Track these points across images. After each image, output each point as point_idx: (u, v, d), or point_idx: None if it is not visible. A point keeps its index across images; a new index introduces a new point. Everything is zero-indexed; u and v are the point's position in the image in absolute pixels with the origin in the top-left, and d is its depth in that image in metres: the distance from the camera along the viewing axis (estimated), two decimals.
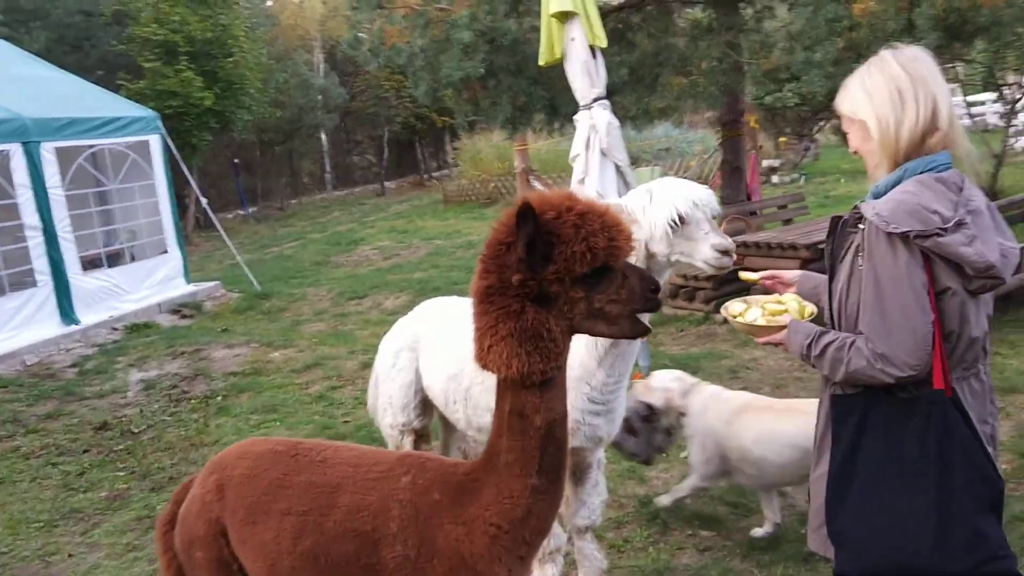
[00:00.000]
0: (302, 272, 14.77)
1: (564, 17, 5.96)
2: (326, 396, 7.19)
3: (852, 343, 2.20)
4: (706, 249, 2.89)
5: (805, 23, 7.74)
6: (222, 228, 14.01)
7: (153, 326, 10.52)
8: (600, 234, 1.92)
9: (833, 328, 2.38)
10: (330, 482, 2.20)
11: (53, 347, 9.39)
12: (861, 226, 2.25)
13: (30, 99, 10.36)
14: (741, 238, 8.46)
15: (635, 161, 17.11)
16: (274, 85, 23.61)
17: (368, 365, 5.05)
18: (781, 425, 3.75)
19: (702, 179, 16.50)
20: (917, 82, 2.21)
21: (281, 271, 14.92)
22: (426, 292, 11.42)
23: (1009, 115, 12.63)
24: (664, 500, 4.33)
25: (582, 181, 6.06)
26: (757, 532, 4.08)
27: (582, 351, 3.16)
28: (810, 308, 2.54)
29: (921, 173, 2.20)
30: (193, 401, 7.46)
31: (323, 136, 31.12)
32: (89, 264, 10.78)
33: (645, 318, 2.24)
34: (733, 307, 2.62)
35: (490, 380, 2.08)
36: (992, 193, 11.29)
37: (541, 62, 6.36)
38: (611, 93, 7.08)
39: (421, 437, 3.99)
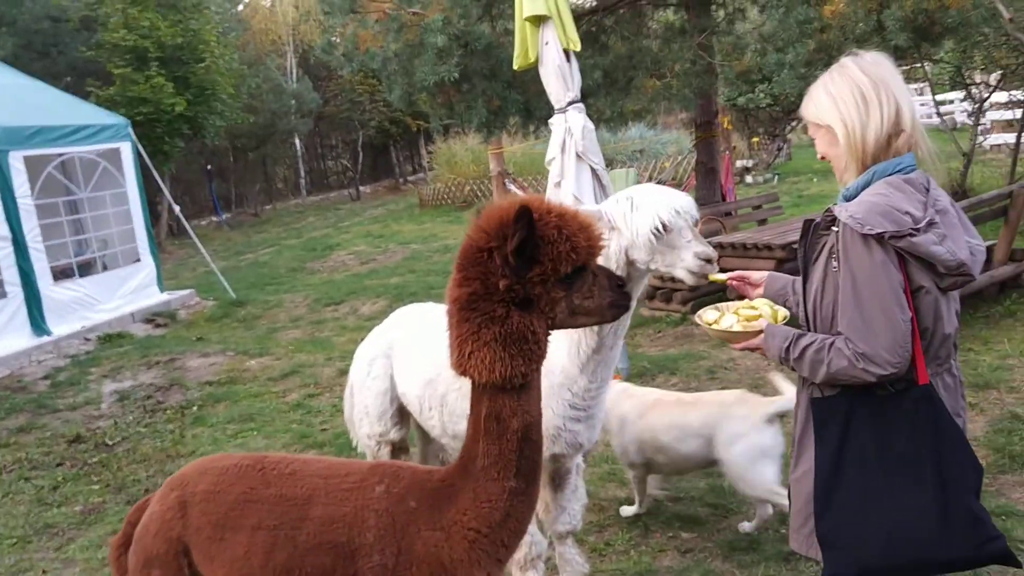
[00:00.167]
0: (277, 279, 14.67)
1: (537, 21, 5.96)
2: (304, 404, 7.14)
3: (831, 344, 2.22)
4: (689, 257, 2.88)
5: (776, 25, 7.82)
6: (195, 235, 13.88)
7: (126, 336, 10.39)
8: (580, 234, 1.98)
9: (808, 330, 2.40)
10: (301, 494, 2.17)
11: (24, 359, 9.25)
12: (835, 228, 2.28)
13: None
14: (716, 239, 8.50)
15: (610, 163, 17.17)
16: (246, 90, 23.45)
17: (346, 372, 5.02)
18: (687, 417, 4.05)
19: (676, 180, 16.60)
20: (879, 85, 2.25)
21: (256, 278, 14.80)
22: (403, 297, 11.39)
23: (977, 114, 12.79)
24: (628, 510, 4.40)
25: (558, 184, 6.06)
26: (626, 511, 4.38)
27: (564, 358, 3.15)
28: (783, 312, 2.56)
29: (889, 175, 2.24)
30: (168, 412, 7.37)
31: (297, 141, 30.97)
32: (60, 274, 10.63)
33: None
34: (707, 315, 2.63)
35: (467, 386, 2.08)
36: (962, 191, 11.44)
37: (515, 66, 6.36)
38: (585, 96, 7.10)
39: (399, 450, 3.92)
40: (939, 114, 14.74)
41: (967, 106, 14.39)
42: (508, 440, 2.00)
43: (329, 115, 30.91)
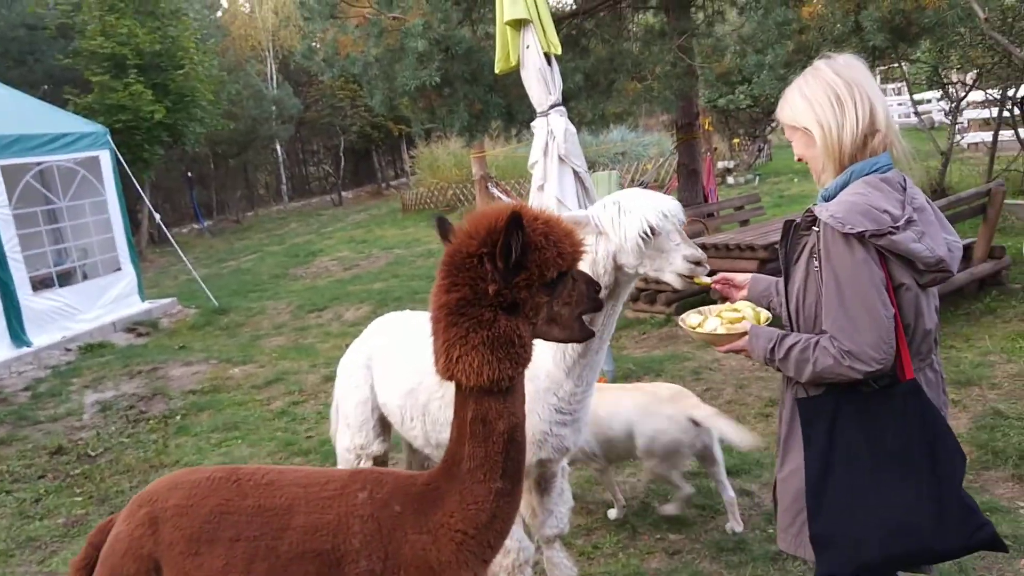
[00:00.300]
0: (260, 286, 14.59)
1: (518, 25, 5.96)
2: (288, 412, 7.10)
3: (816, 343, 2.24)
4: (678, 260, 2.86)
5: (756, 27, 7.87)
6: (177, 243, 13.79)
7: (108, 346, 10.30)
8: (565, 240, 2.03)
9: (792, 330, 2.42)
10: (280, 504, 2.15)
11: (4, 370, 9.15)
12: (815, 228, 2.30)
13: None
14: (700, 240, 8.53)
15: (592, 166, 17.21)
16: (226, 97, 23.33)
17: (330, 378, 5.00)
18: (620, 403, 4.22)
19: (658, 182, 16.65)
20: (853, 87, 2.28)
21: (239, 285, 14.72)
22: (387, 302, 11.36)
23: (954, 113, 12.92)
24: (614, 512, 4.44)
25: (541, 188, 6.06)
26: (613, 513, 4.43)
27: (549, 363, 3.14)
28: (765, 314, 2.57)
29: (866, 174, 2.27)
30: (151, 421, 7.31)
31: (278, 147, 30.85)
32: (40, 284, 10.53)
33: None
34: (690, 319, 2.63)
35: (449, 394, 2.10)
36: (940, 189, 11.54)
37: (497, 70, 6.36)
38: (567, 99, 7.11)
39: (380, 464, 3.84)
40: (917, 113, 14.88)
41: (944, 105, 14.54)
42: (494, 442, 2.03)
43: (310, 120, 30.83)
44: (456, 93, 8.88)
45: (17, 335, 9.64)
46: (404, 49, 8.12)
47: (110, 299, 11.27)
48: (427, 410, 3.37)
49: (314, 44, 10.05)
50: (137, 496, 2.32)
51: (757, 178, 19.46)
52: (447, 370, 2.01)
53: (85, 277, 11.42)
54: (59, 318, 10.36)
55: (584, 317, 2.21)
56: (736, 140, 22.40)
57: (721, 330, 2.51)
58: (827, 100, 2.28)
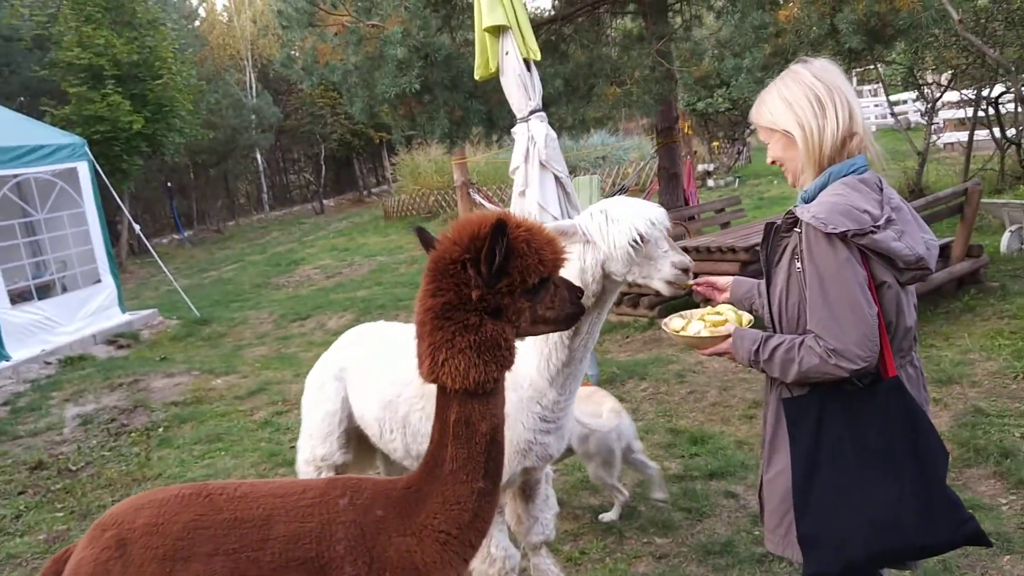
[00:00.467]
0: (242, 295, 14.51)
1: (497, 31, 5.97)
2: (272, 422, 7.05)
3: (801, 342, 2.25)
4: (666, 267, 2.88)
5: (733, 30, 7.93)
6: (157, 254, 13.70)
7: (88, 358, 10.20)
8: (546, 247, 2.08)
9: (775, 331, 2.43)
10: (258, 515, 2.13)
11: None
12: (797, 230, 2.32)
13: None
14: (682, 243, 8.57)
15: (573, 171, 17.26)
16: (206, 106, 23.24)
17: None
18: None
19: (639, 186, 16.71)
20: (833, 90, 2.31)
21: (220, 295, 14.63)
22: (370, 310, 11.33)
23: (930, 113, 13.05)
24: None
25: (523, 193, 6.06)
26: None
27: (533, 372, 3.14)
28: (747, 317, 2.59)
29: (844, 176, 2.30)
30: (133, 434, 7.24)
31: (258, 156, 30.73)
32: (18, 297, 10.43)
33: None
34: (673, 323, 2.63)
35: (430, 406, 2.10)
36: (918, 189, 11.65)
37: (476, 76, 6.36)
38: (547, 105, 7.12)
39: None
40: (893, 114, 15.03)
41: (920, 106, 14.68)
42: (477, 443, 2.08)
43: (290, 129, 30.74)
44: (436, 100, 8.87)
45: None
46: (383, 57, 8.11)
47: (90, 311, 11.16)
48: (407, 422, 3.34)
49: (293, 53, 10.03)
50: (98, 522, 2.23)
51: (737, 180, 19.58)
52: (432, 373, 2.05)
53: (64, 289, 11.31)
54: (38, 331, 10.25)
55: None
56: (715, 143, 22.53)
57: (704, 333, 2.52)
58: (808, 103, 2.30)
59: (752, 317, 2.60)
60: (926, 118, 13.11)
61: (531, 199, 5.96)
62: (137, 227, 13.82)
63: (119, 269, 13.42)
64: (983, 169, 12.18)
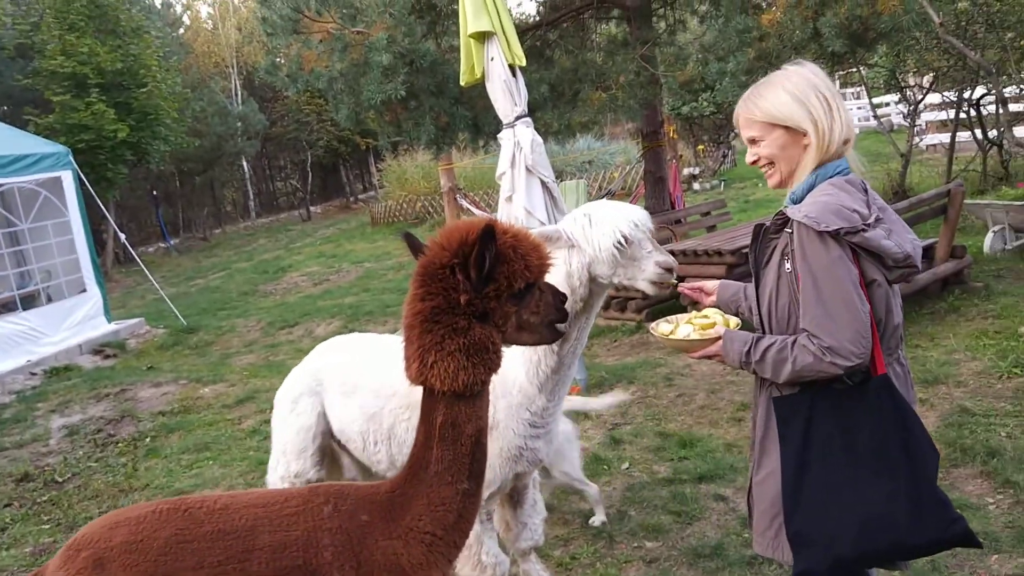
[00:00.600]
0: (229, 303, 14.45)
1: (482, 37, 5.99)
2: (260, 430, 7.01)
3: (794, 342, 2.25)
4: (650, 267, 2.91)
5: (717, 35, 7.96)
6: (143, 262, 13.63)
7: (74, 368, 10.13)
8: (532, 253, 2.12)
9: (764, 332, 2.43)
10: (242, 527, 2.12)
11: None
12: (788, 230, 2.32)
13: None
14: (668, 247, 8.59)
15: (560, 176, 17.29)
16: (191, 114, 23.17)
17: None
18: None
19: (626, 190, 16.76)
20: (833, 92, 2.34)
21: (208, 303, 14.57)
22: (358, 317, 11.31)
23: (912, 115, 13.16)
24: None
25: (510, 199, 6.08)
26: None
27: (522, 378, 3.15)
28: (734, 320, 2.59)
29: (830, 177, 2.32)
30: (120, 445, 7.19)
31: (244, 163, 30.65)
32: (2, 308, 10.37)
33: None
34: (661, 327, 2.63)
35: (415, 417, 2.16)
36: (902, 191, 11.74)
37: (462, 82, 6.38)
38: (533, 110, 7.14)
39: None
40: (876, 116, 15.13)
41: (903, 108, 14.80)
42: (463, 445, 2.11)
43: (276, 136, 30.68)
44: (422, 106, 8.88)
45: None
46: (369, 63, 8.11)
47: (75, 321, 11.09)
48: (393, 433, 3.32)
49: (278, 60, 10.00)
50: (70, 543, 2.18)
51: (722, 184, 19.67)
52: (420, 375, 2.07)
53: (49, 299, 11.23)
54: (23, 342, 10.18)
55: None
56: (701, 147, 22.63)
57: (694, 336, 2.51)
58: (818, 101, 2.30)
59: (739, 320, 2.61)
60: (909, 120, 13.22)
61: (518, 204, 5.98)
62: (123, 236, 13.76)
63: (105, 278, 13.34)
64: (965, 170, 12.29)
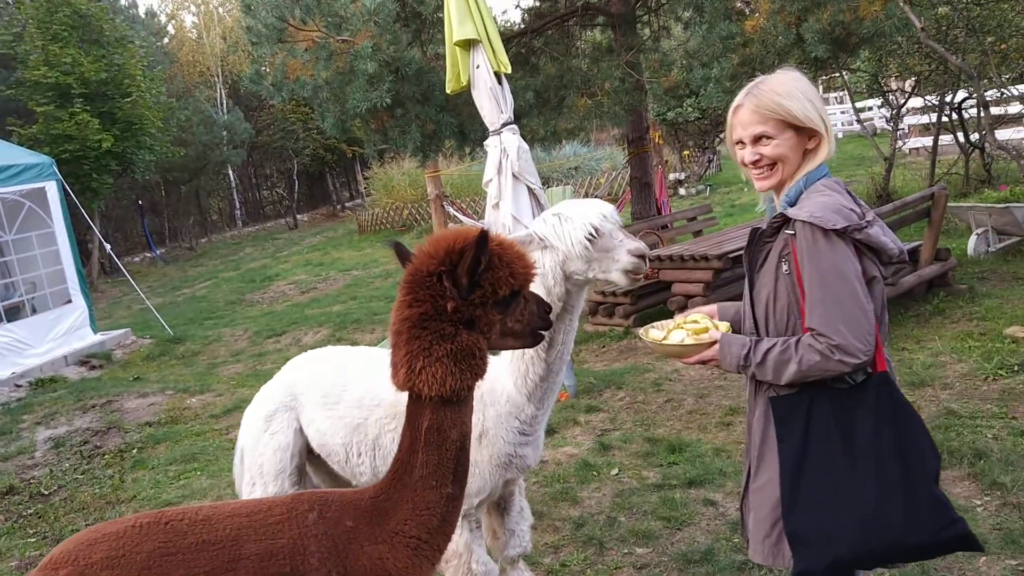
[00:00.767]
0: (216, 313, 14.39)
1: (467, 45, 6.01)
2: None
3: (797, 342, 2.24)
4: (623, 256, 2.94)
5: (701, 41, 8.00)
6: (129, 272, 13.55)
7: (60, 380, 10.06)
8: (517, 261, 2.15)
9: (759, 336, 2.41)
10: (226, 536, 2.12)
11: None
12: (790, 231, 2.30)
13: None
14: (655, 252, 8.62)
15: (547, 182, 17.32)
16: (176, 123, 23.09)
17: None
18: None
19: (612, 195, 16.81)
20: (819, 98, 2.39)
21: (194, 313, 14.50)
22: (346, 325, 11.28)
23: (895, 119, 13.26)
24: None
25: (497, 205, 6.09)
26: None
27: (510, 387, 3.15)
28: (724, 324, 2.56)
29: (818, 179, 2.35)
30: (107, 456, 7.15)
31: (230, 172, 30.56)
32: None
33: None
34: (652, 333, 2.60)
35: (401, 426, 2.18)
36: (885, 194, 11.82)
37: (448, 90, 6.39)
38: (519, 117, 7.16)
39: None
40: (859, 121, 15.23)
41: (885, 112, 14.90)
42: (447, 450, 2.14)
43: (262, 145, 30.61)
44: (408, 114, 8.87)
45: None
46: (354, 71, 8.10)
47: (61, 332, 11.02)
48: (378, 444, 3.29)
49: (263, 69, 9.98)
50: (46, 561, 2.12)
51: (708, 188, 19.76)
52: (407, 380, 2.09)
53: (34, 311, 11.16)
54: (8, 353, 10.11)
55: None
56: (686, 152, 22.72)
57: (689, 340, 2.47)
58: (822, 105, 2.36)
59: (729, 324, 2.57)
60: (891, 124, 13.31)
61: (505, 211, 5.98)
62: (108, 246, 13.69)
63: (90, 289, 13.27)
64: (948, 173, 12.38)
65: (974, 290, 7.72)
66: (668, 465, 5.16)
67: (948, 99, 12.10)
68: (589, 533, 4.39)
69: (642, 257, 2.95)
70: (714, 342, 2.41)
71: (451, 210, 13.89)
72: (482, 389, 3.18)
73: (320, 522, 2.14)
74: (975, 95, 10.84)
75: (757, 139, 2.37)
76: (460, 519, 3.17)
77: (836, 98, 23.90)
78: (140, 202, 26.18)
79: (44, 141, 17.07)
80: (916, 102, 13.91)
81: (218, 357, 10.88)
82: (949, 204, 8.33)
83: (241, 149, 28.54)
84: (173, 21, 34.94)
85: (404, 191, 22.50)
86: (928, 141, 13.84)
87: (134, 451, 7.21)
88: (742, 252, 2.58)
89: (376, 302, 12.52)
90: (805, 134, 2.34)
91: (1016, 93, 11.37)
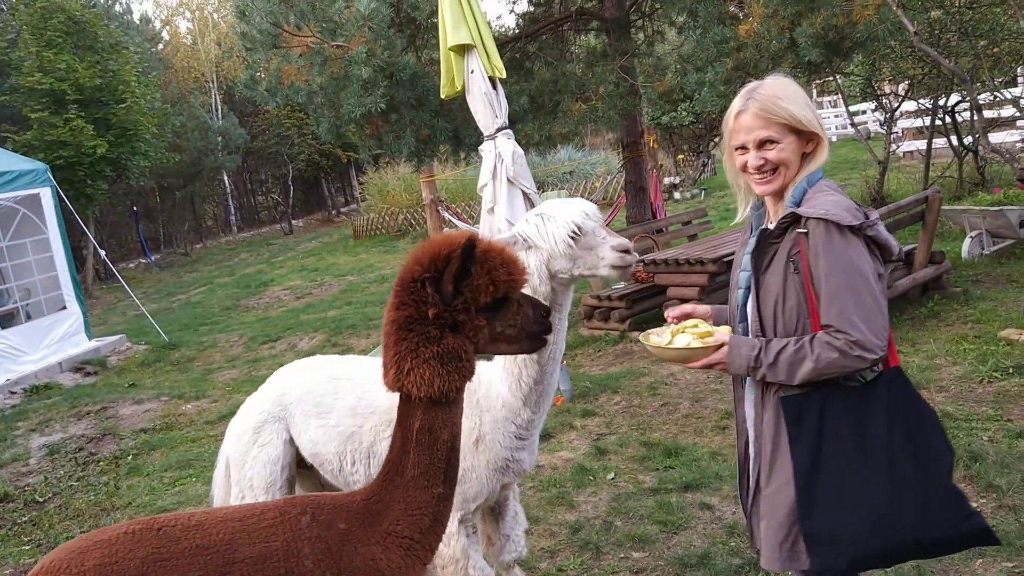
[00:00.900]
0: (211, 319, 14.37)
1: (462, 50, 6.01)
2: None
3: (812, 340, 2.23)
4: (608, 252, 2.96)
5: (695, 45, 8.02)
6: (124, 278, 13.53)
7: (54, 387, 10.03)
8: (500, 268, 2.16)
9: (764, 337, 2.38)
10: (220, 541, 2.12)
11: None
12: (802, 230, 2.29)
13: None
14: (650, 256, 8.63)
15: (541, 186, 17.32)
16: (171, 129, 23.07)
17: None
18: None
19: (607, 199, 16.83)
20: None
21: (189, 319, 14.47)
22: (341, 330, 11.27)
23: (889, 123, 13.29)
24: None
25: (491, 210, 6.09)
26: None
27: (505, 391, 3.14)
28: (725, 329, 2.50)
29: (816, 181, 2.37)
30: (102, 463, 7.13)
31: (225, 178, 30.53)
32: None
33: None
34: (653, 339, 2.54)
35: None
36: (880, 197, 11.85)
37: (442, 95, 6.40)
38: (513, 122, 7.17)
39: None
40: (853, 124, 15.28)
41: (879, 116, 14.95)
42: (438, 450, 2.16)
43: (257, 150, 30.59)
44: (402, 119, 8.88)
45: None
46: (348, 77, 8.11)
47: (55, 339, 10.99)
48: (373, 452, 3.28)
49: (258, 74, 9.98)
50: (37, 569, 2.11)
51: (703, 192, 19.78)
52: (397, 381, 2.12)
53: (29, 317, 11.13)
54: (2, 360, 10.08)
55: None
56: (681, 156, 22.76)
57: (696, 343, 2.40)
58: (815, 109, 2.39)
59: (729, 328, 2.53)
60: (885, 128, 13.35)
61: (500, 216, 5.99)
62: (103, 252, 13.67)
63: (85, 295, 13.23)
64: (942, 176, 12.42)
65: (968, 293, 7.75)
66: (664, 469, 5.16)
67: (941, 103, 12.15)
68: (585, 537, 4.39)
69: (626, 251, 2.96)
70: (721, 345, 2.36)
71: (446, 215, 13.90)
72: (477, 394, 3.18)
73: (313, 525, 2.16)
74: (968, 98, 10.87)
75: (762, 143, 2.35)
76: (457, 525, 3.17)
77: (830, 102, 23.96)
78: (135, 208, 26.14)
79: (38, 147, 17.03)
80: (909, 106, 13.97)
81: (213, 363, 10.86)
82: (943, 207, 8.36)
83: (236, 155, 28.51)
84: (168, 27, 34.93)
85: (399, 196, 22.50)
86: (922, 144, 13.89)
87: (129, 458, 7.19)
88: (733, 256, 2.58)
89: (371, 307, 12.51)
90: (804, 138, 2.35)
91: (1009, 96, 11.43)
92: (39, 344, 10.71)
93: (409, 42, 9.15)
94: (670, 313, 2.64)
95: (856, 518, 2.21)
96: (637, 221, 11.07)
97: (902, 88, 13.61)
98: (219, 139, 27.34)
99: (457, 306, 2.11)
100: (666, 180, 19.73)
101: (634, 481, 5.06)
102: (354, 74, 7.96)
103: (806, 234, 2.28)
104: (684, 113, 19.34)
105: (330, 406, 3.39)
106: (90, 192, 18.32)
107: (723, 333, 2.42)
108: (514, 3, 11.85)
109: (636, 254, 3.02)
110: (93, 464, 7.15)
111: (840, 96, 16.88)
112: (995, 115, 13.24)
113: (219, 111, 29.74)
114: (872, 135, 18.79)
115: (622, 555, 4.20)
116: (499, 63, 6.13)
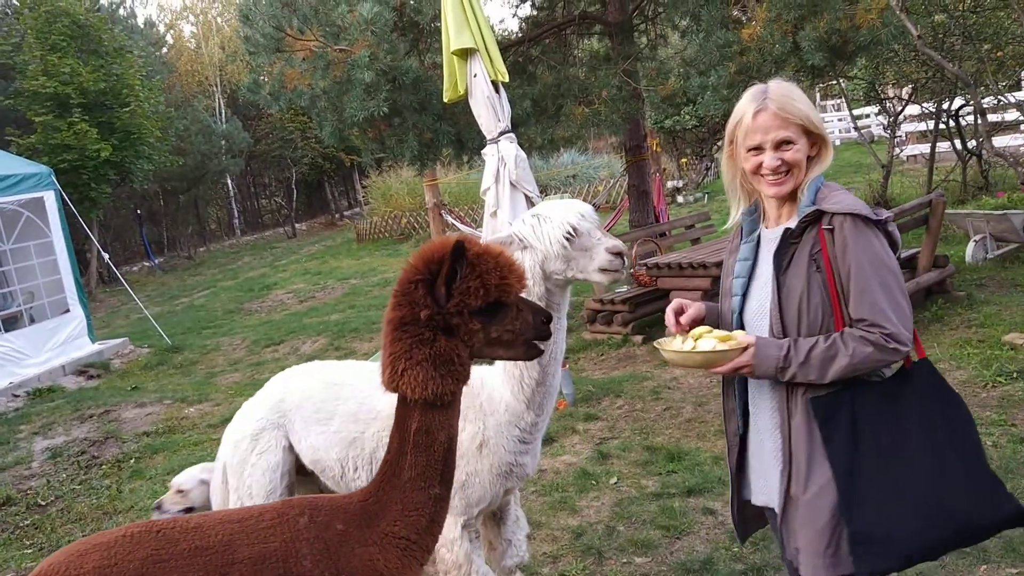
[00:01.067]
0: (214, 322, 14.37)
1: (465, 54, 6.02)
2: None
3: (843, 335, 2.21)
4: (601, 254, 2.96)
5: (697, 49, 8.01)
6: (127, 282, 13.54)
7: (57, 390, 10.04)
8: (493, 272, 2.15)
9: (784, 338, 2.33)
10: (218, 542, 2.13)
11: None
12: (827, 226, 2.27)
13: None
14: (653, 260, 8.63)
15: (544, 190, 17.34)
16: (174, 133, 23.11)
17: None
18: None
19: (610, 203, 16.82)
20: None
21: (192, 322, 14.48)
22: (344, 334, 11.27)
23: (892, 127, 13.27)
24: None
25: (494, 214, 6.09)
26: None
27: (507, 395, 3.13)
28: (740, 333, 2.41)
29: (823, 183, 2.39)
30: (104, 466, 7.13)
31: (229, 181, 30.59)
32: None
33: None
34: (673, 343, 2.44)
35: None
36: (884, 201, 11.83)
37: (445, 98, 6.40)
38: (516, 125, 7.16)
39: None
40: (857, 128, 15.25)
41: (883, 119, 14.93)
42: (435, 452, 2.18)
43: (261, 154, 30.65)
44: (405, 123, 8.89)
45: None
46: (351, 80, 8.12)
47: (59, 342, 11.01)
48: (375, 457, 3.26)
49: (261, 78, 10.00)
50: (38, 572, 2.11)
51: (706, 196, 19.76)
52: (392, 382, 2.13)
53: (32, 320, 11.15)
54: (5, 363, 10.08)
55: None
56: (684, 160, 22.75)
57: (722, 346, 2.30)
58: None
59: (744, 333, 2.42)
60: (889, 131, 13.33)
61: (503, 219, 5.98)
62: (106, 255, 13.69)
63: (88, 298, 13.25)
64: (946, 180, 12.40)
65: (972, 297, 7.73)
66: (667, 474, 5.15)
67: (945, 106, 12.12)
68: (588, 542, 4.38)
69: (619, 255, 2.96)
70: (747, 346, 2.28)
71: (449, 218, 13.90)
72: (480, 399, 3.18)
73: (311, 526, 2.18)
74: (972, 102, 10.86)
75: (779, 144, 2.32)
76: (460, 529, 3.17)
77: (833, 105, 23.95)
78: (138, 211, 26.19)
79: (42, 151, 17.08)
80: (913, 109, 13.94)
81: (216, 366, 10.87)
82: (947, 211, 8.34)
83: (239, 158, 28.57)
84: (171, 31, 35.02)
85: (402, 200, 22.51)
86: (925, 148, 13.85)
87: (132, 461, 7.19)
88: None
89: (374, 311, 12.51)
90: (811, 141, 2.36)
91: (1013, 100, 11.40)
92: (42, 347, 10.72)
93: (412, 46, 9.15)
94: (669, 316, 2.55)
95: (910, 513, 2.16)
96: (640, 225, 11.06)
97: (906, 92, 13.60)
98: (223, 143, 27.39)
99: (451, 309, 2.11)
100: (669, 184, 19.72)
101: (637, 486, 5.05)
102: (357, 78, 7.97)
103: (831, 231, 2.26)
104: (687, 117, 19.34)
105: (331, 412, 3.37)
106: (94, 195, 18.35)
107: (746, 335, 2.34)
108: (517, 7, 11.89)
109: (626, 260, 3.01)
110: (96, 467, 7.15)
111: (843, 99, 16.87)
112: (999, 119, 13.23)
113: (223, 115, 29.80)
114: (876, 139, 18.78)
115: (624, 560, 4.19)
116: (502, 67, 6.13)
